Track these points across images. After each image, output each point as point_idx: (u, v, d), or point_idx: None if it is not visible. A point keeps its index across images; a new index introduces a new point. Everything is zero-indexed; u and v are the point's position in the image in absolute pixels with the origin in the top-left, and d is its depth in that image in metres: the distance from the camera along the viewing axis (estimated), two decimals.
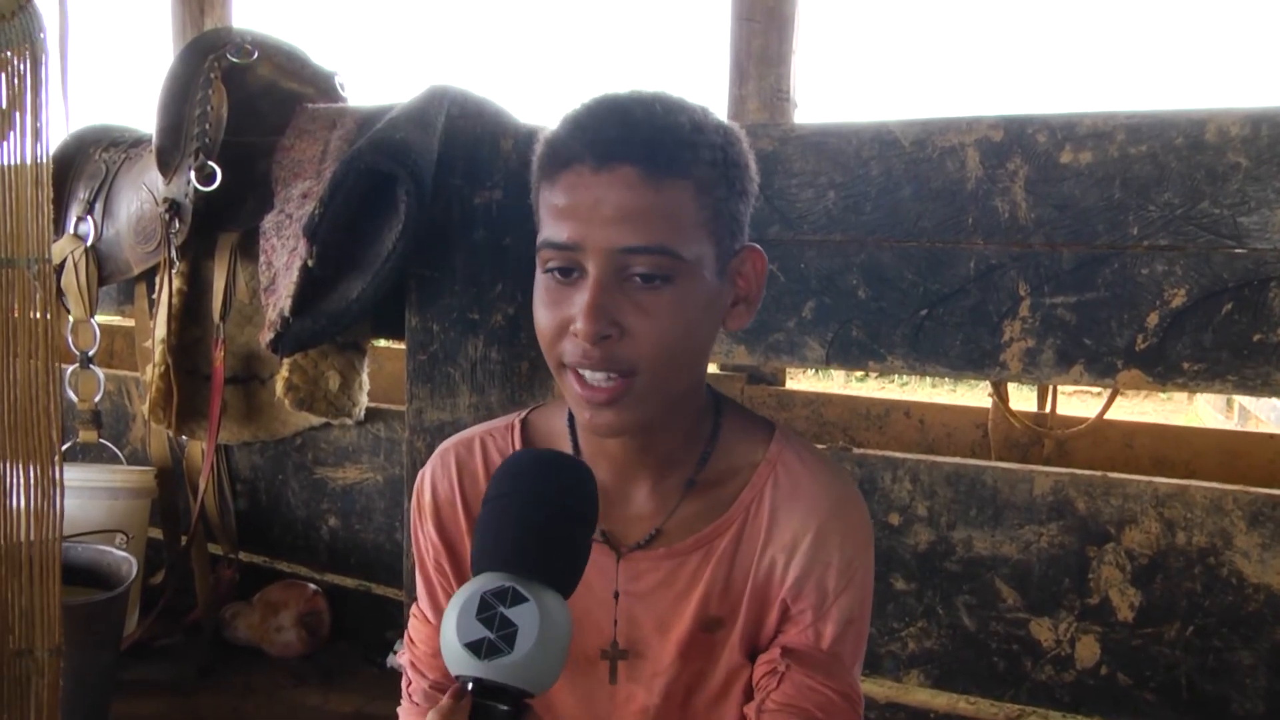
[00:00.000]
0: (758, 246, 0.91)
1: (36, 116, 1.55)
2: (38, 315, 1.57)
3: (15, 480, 1.58)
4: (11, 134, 1.53)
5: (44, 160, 1.56)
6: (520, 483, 0.77)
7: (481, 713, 0.69)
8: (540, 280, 0.86)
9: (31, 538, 1.60)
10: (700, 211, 0.83)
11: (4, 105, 1.51)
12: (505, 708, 0.69)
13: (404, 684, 1.06)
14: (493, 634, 0.69)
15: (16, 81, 1.52)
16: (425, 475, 1.02)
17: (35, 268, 1.56)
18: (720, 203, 0.85)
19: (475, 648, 0.68)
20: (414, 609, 1.07)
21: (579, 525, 0.77)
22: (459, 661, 0.69)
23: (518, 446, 0.99)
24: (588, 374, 0.83)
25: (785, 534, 0.92)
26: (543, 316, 0.85)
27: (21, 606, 1.61)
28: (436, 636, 1.03)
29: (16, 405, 1.56)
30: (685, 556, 0.94)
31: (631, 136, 0.81)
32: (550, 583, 0.72)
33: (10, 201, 1.55)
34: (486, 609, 0.69)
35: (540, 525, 0.74)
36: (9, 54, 1.51)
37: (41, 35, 1.54)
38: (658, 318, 0.82)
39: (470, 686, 0.70)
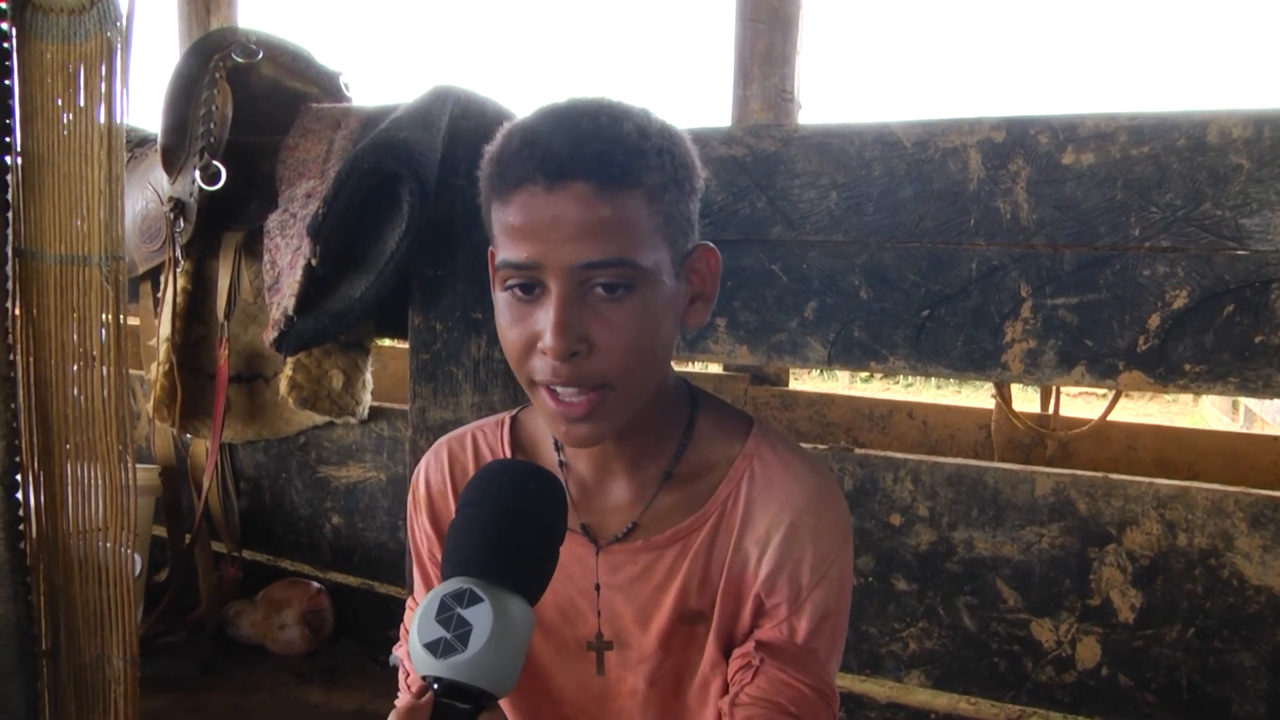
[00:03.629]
0: (710, 244, 0.91)
1: (111, 109, 1.52)
2: (108, 317, 1.55)
3: (93, 483, 1.57)
4: (91, 128, 1.50)
5: (118, 154, 1.54)
6: (486, 491, 0.78)
7: (442, 711, 0.71)
8: (501, 299, 0.86)
9: (109, 540, 1.58)
10: (654, 217, 0.83)
11: (82, 102, 1.49)
12: (465, 707, 0.71)
13: (401, 675, 1.08)
14: (449, 634, 0.70)
15: (93, 75, 1.49)
16: (420, 469, 1.05)
17: (108, 266, 1.54)
18: (672, 206, 0.85)
19: (433, 647, 0.70)
20: (409, 601, 1.09)
21: (543, 532, 0.78)
22: (419, 662, 0.71)
23: (506, 443, 1.02)
24: (559, 389, 0.84)
25: (759, 528, 0.93)
26: (509, 334, 0.85)
27: (100, 611, 1.60)
28: None
29: (91, 408, 1.55)
30: (662, 550, 0.95)
31: (581, 152, 0.81)
32: (513, 587, 0.74)
33: (84, 197, 1.52)
34: (445, 610, 0.71)
35: (502, 531, 0.76)
36: (87, 47, 1.49)
37: (119, 23, 1.51)
38: (623, 329, 0.82)
39: (434, 687, 0.72)
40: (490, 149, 0.87)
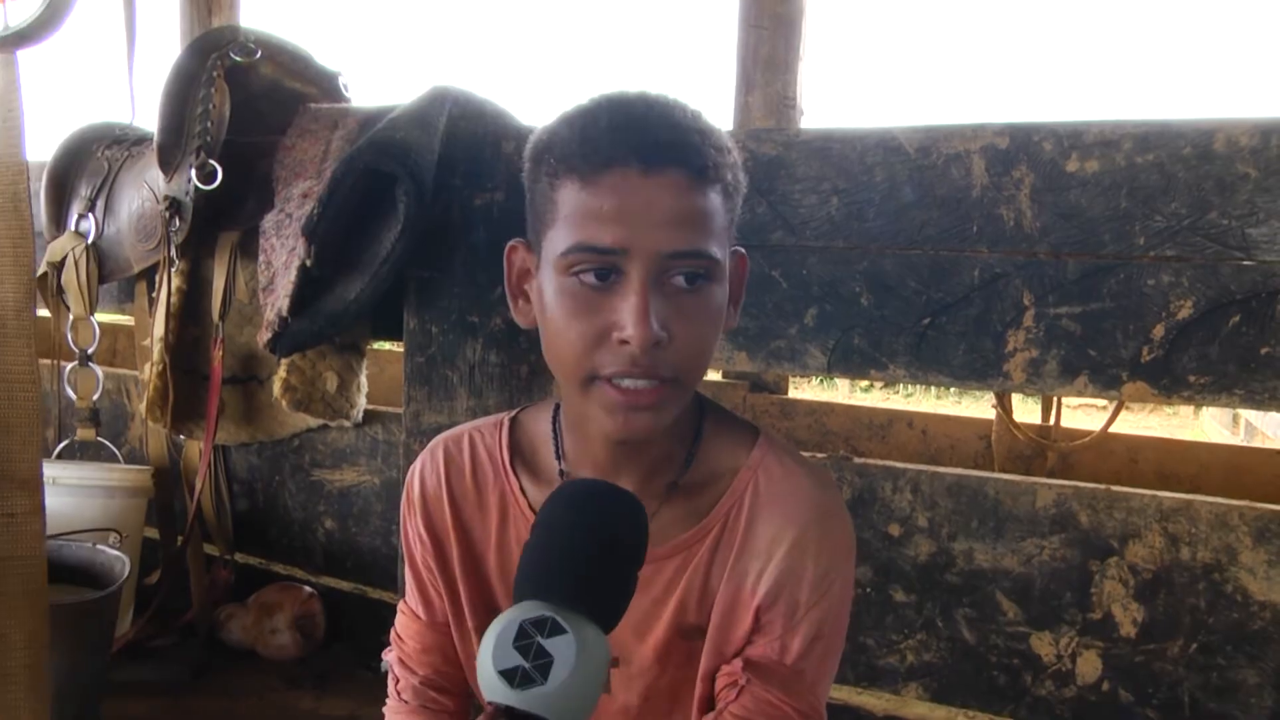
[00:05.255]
0: (741, 249, 0.91)
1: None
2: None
3: None
4: None
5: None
6: (572, 512, 0.74)
7: None
8: (562, 286, 0.82)
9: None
10: (725, 215, 0.84)
11: None
12: None
13: (391, 682, 1.06)
14: (528, 663, 0.67)
15: None
16: (415, 470, 1.03)
17: None
18: (734, 208, 0.86)
19: (509, 676, 0.67)
20: (401, 605, 1.07)
21: (627, 561, 0.74)
22: (492, 688, 0.68)
23: (504, 445, 1.00)
24: (627, 381, 0.81)
25: (760, 542, 0.91)
26: (572, 326, 0.82)
27: None
28: (425, 632, 1.03)
29: None
30: (662, 563, 0.93)
31: (681, 140, 0.80)
32: (592, 616, 0.71)
33: None
34: (524, 637, 0.68)
35: (588, 558, 0.72)
36: None
37: None
38: (697, 321, 0.82)
39: (505, 713, 0.68)
40: (558, 134, 0.84)
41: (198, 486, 2.32)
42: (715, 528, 0.92)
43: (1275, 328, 1.35)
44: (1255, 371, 1.37)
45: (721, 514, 0.93)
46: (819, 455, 1.81)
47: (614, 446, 0.91)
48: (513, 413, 1.03)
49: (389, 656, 1.08)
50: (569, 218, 0.82)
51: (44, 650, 1.48)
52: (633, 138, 0.80)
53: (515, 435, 1.01)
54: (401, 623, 1.06)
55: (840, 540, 0.93)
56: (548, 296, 0.84)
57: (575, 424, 0.95)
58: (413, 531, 1.02)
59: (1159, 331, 1.41)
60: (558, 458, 0.96)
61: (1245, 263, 1.37)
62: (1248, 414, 5.20)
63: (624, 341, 0.79)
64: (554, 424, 0.98)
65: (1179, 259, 1.40)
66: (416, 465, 1.03)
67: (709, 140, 0.82)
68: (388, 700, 1.06)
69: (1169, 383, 1.42)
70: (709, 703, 0.93)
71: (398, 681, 1.05)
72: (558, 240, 0.82)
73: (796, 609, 0.90)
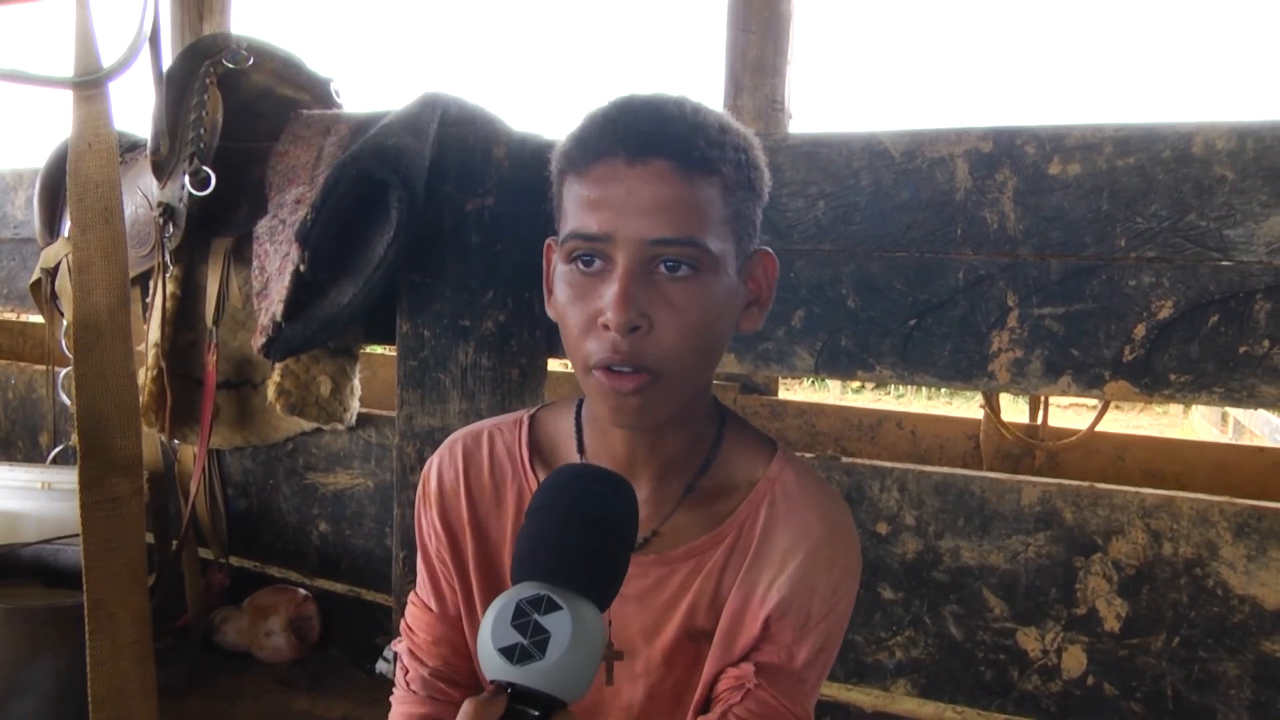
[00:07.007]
0: (769, 249, 0.92)
1: None
2: None
3: None
4: None
5: None
6: (562, 496, 0.77)
7: (513, 717, 0.70)
8: (564, 275, 0.86)
9: None
10: (725, 209, 0.85)
11: None
12: (537, 713, 0.70)
13: (400, 672, 1.06)
14: (525, 640, 0.70)
15: None
16: (433, 464, 1.03)
17: None
18: (742, 203, 0.87)
19: (508, 653, 0.70)
20: (412, 596, 1.07)
21: (617, 540, 0.77)
22: (492, 666, 0.70)
23: (524, 443, 1.01)
24: (613, 368, 0.84)
25: (775, 554, 0.93)
26: (569, 313, 0.85)
27: None
28: (436, 624, 1.04)
29: None
30: (676, 565, 0.94)
31: (665, 131, 0.82)
32: (586, 594, 0.73)
33: None
34: (521, 615, 0.70)
35: (579, 538, 0.74)
36: None
37: None
38: (684, 310, 0.83)
39: (508, 690, 0.71)
40: (569, 132, 0.88)
41: (192, 490, 2.33)
42: (730, 535, 0.94)
43: (1253, 327, 1.38)
44: (1234, 370, 1.40)
45: (737, 522, 0.94)
46: (808, 455, 1.83)
47: (629, 441, 0.93)
48: (532, 410, 1.05)
49: (399, 647, 1.09)
50: (569, 210, 0.86)
51: (148, 627, 1.51)
52: (620, 130, 0.83)
53: (535, 433, 1.02)
54: (412, 614, 1.07)
55: (851, 557, 0.96)
56: (556, 287, 0.88)
57: (595, 418, 0.97)
58: (427, 525, 1.02)
59: (1140, 331, 1.44)
60: (580, 452, 0.98)
61: (1223, 263, 1.39)
62: (1236, 412, 5.24)
63: (606, 327, 0.82)
64: (577, 420, 1.00)
65: (1159, 260, 1.43)
66: (434, 460, 1.03)
67: (702, 132, 0.83)
68: (395, 690, 1.06)
69: (1150, 381, 1.44)
70: (706, 706, 0.95)
71: (407, 672, 1.05)
72: (563, 232, 0.87)
73: (807, 621, 0.92)
